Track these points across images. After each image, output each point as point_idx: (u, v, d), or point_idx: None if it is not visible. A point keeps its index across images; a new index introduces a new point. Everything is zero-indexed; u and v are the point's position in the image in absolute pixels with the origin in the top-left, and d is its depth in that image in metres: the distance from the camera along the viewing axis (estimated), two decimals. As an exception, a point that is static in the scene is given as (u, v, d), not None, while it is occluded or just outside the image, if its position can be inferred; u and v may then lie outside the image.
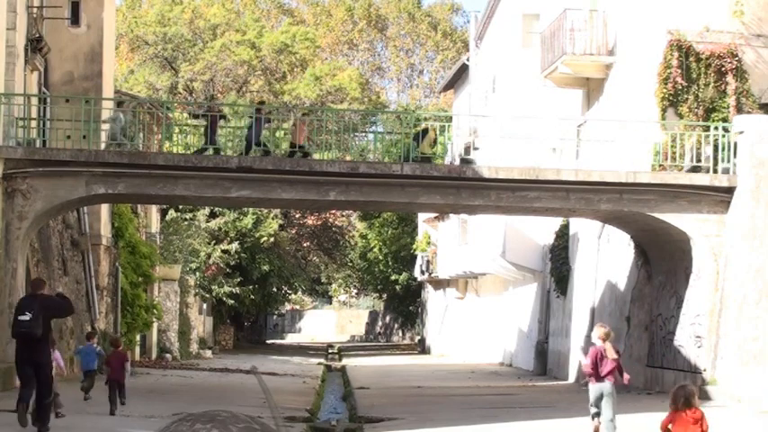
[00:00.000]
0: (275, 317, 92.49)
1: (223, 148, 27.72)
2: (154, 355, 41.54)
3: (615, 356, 16.03)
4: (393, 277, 67.01)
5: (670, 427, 11.50)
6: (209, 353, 49.33)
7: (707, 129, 26.53)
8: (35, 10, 28.45)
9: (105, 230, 33.52)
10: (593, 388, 16.26)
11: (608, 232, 31.37)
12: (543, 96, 36.19)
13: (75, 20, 32.06)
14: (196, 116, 29.98)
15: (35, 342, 16.25)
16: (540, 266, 38.97)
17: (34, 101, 28.25)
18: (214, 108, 28.00)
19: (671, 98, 27.66)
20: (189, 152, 27.60)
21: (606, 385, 16.18)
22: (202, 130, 27.41)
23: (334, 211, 65.42)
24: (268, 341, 78.31)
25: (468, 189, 26.20)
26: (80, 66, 32.16)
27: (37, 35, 28.00)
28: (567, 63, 31.46)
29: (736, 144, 26.02)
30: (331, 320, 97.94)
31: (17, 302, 17.89)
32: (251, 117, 27.26)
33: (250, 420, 2.88)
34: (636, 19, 29.76)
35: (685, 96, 27.62)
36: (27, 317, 16.24)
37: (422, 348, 62.74)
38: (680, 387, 11.87)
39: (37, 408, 16.38)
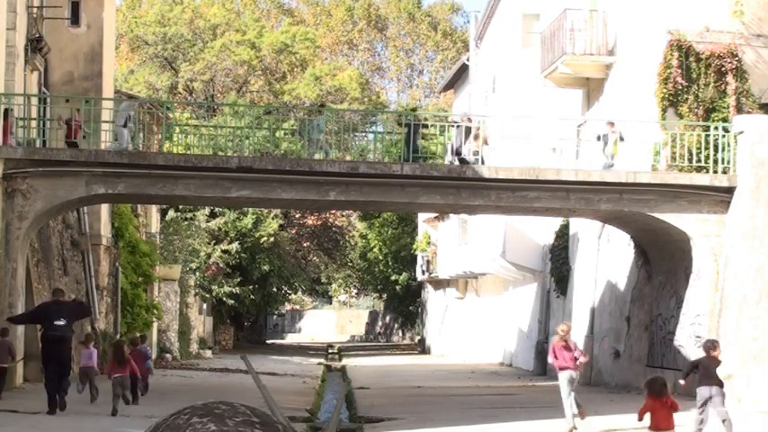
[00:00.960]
0: (275, 317, 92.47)
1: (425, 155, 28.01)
2: (154, 356, 41.51)
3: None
4: (393, 277, 66.98)
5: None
6: (209, 353, 49.33)
7: (707, 129, 26.53)
8: (35, 10, 28.46)
9: (105, 230, 33.52)
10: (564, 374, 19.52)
11: (608, 232, 31.36)
12: (543, 96, 36.18)
13: (75, 20, 32.05)
14: (401, 125, 29.92)
15: (64, 342, 19.13)
16: (540, 266, 38.96)
17: (34, 101, 28.25)
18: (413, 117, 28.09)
19: (671, 98, 27.64)
20: (189, 152, 27.62)
21: (573, 372, 19.55)
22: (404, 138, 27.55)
23: (334, 211, 65.42)
24: (268, 341, 78.29)
25: (468, 189, 26.19)
26: (80, 66, 32.16)
27: (37, 35, 28.01)
28: (567, 63, 31.45)
29: (736, 144, 26.02)
30: (331, 320, 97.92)
31: (42, 306, 20.70)
32: (455, 126, 27.47)
33: (249, 413, 2.84)
34: (636, 19, 29.76)
35: (685, 96, 27.60)
36: (62, 322, 19.06)
37: (422, 348, 62.73)
38: (654, 379, 13.93)
39: (58, 395, 19.05)
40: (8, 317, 22.15)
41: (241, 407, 2.87)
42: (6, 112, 24.56)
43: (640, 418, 13.40)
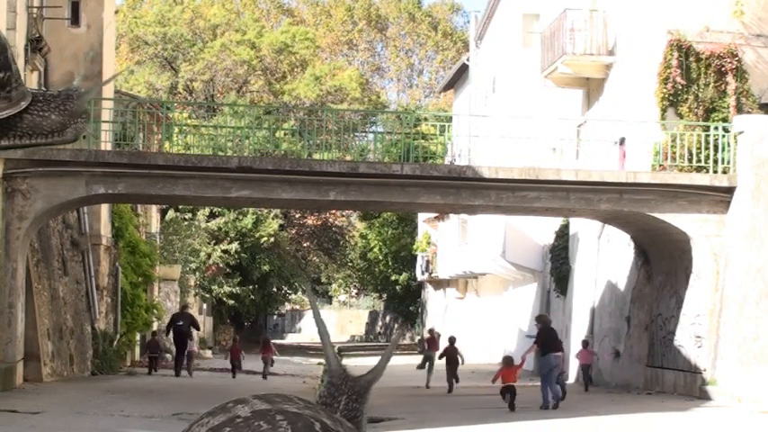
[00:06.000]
0: (275, 317, 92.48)
1: None
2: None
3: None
4: (393, 277, 66.99)
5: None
6: (209, 353, 49.31)
7: (707, 129, 26.52)
8: (35, 10, 28.45)
9: (105, 230, 33.50)
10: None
11: (608, 232, 31.37)
12: (543, 96, 36.18)
13: (75, 20, 32.02)
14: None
15: (184, 336, 32.89)
16: (540, 266, 38.96)
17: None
18: None
19: (671, 98, 27.63)
20: (189, 152, 27.64)
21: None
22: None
23: (334, 211, 65.43)
24: (268, 341, 78.15)
25: (468, 189, 26.19)
26: (80, 66, 32.14)
27: (37, 35, 28.00)
28: (567, 63, 31.46)
29: (736, 144, 26.03)
30: (331, 320, 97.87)
31: (175, 315, 34.98)
32: None
33: (272, 423, 2.50)
34: (636, 19, 29.76)
35: (685, 96, 27.59)
36: (181, 323, 33.08)
37: (422, 348, 62.65)
38: (505, 357, 23.48)
39: (181, 365, 32.71)
40: (165, 332, 36.48)
41: (282, 423, 2.40)
42: None
43: (494, 381, 21.37)
